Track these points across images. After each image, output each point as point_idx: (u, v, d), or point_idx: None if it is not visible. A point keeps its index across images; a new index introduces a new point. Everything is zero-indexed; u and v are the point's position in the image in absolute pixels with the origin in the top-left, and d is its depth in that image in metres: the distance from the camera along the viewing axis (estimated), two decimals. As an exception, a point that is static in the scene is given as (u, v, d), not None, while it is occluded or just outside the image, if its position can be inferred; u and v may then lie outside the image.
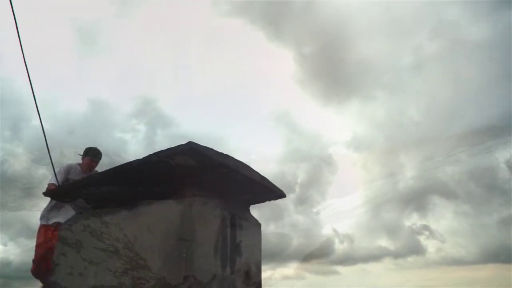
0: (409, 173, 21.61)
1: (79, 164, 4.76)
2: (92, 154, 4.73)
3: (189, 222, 2.54)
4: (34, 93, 3.91)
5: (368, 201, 21.35)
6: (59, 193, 3.42)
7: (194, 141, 2.62)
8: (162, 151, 2.56)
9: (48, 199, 4.58)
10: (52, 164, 4.09)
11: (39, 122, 3.89)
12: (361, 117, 24.12)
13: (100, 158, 4.79)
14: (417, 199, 20.42)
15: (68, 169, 4.60)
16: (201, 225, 2.60)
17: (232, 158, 2.75)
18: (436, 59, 20.77)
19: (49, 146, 4.11)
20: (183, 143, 2.55)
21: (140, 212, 2.71)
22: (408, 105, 22.50)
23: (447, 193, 19.96)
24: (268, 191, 3.13)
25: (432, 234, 19.99)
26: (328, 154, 23.18)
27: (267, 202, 3.40)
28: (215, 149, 2.67)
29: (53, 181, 4.32)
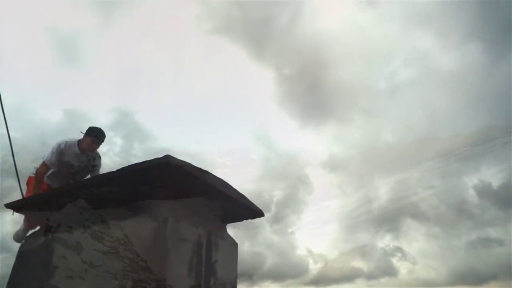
0: (383, 195, 21.99)
1: (78, 143, 4.22)
2: (95, 135, 4.19)
3: (163, 240, 2.42)
4: (2, 101, 3.73)
5: (343, 222, 21.47)
6: (23, 206, 3.21)
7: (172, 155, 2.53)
8: (136, 164, 2.45)
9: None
10: (17, 175, 3.87)
11: (6, 130, 3.69)
12: (337, 139, 24.50)
13: (103, 140, 4.27)
14: (390, 220, 20.73)
15: (65, 149, 4.11)
16: (175, 243, 2.48)
17: (211, 174, 2.67)
18: (409, 85, 21.56)
19: (18, 156, 3.89)
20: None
21: (110, 229, 2.56)
22: (383, 129, 23.11)
23: (419, 216, 20.38)
24: (246, 209, 3.05)
25: (404, 255, 20.23)
26: (305, 174, 23.28)
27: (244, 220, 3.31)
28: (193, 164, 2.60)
29: (47, 159, 4.05)
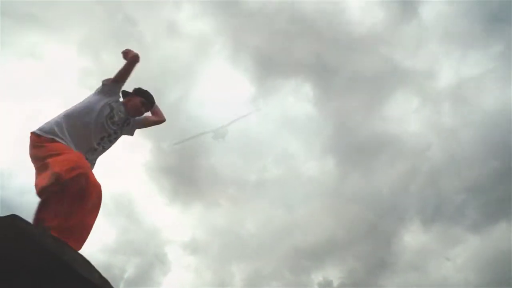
0: (238, 282, 21.83)
1: (122, 104, 3.23)
2: (147, 97, 3.34)
3: None
4: None
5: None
6: None
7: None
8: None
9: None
10: None
11: None
12: (202, 221, 24.18)
13: (153, 105, 3.43)
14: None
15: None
16: None
17: (71, 249, 2.04)
18: (276, 182, 23.50)
19: None
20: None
21: None
22: (247, 218, 23.91)
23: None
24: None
25: None
26: (164, 252, 21.65)
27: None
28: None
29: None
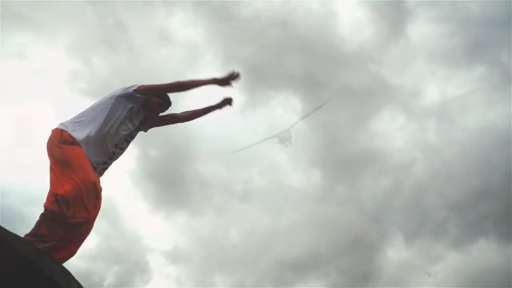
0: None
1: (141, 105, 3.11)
2: (164, 97, 3.28)
3: None
4: None
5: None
6: None
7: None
8: None
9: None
10: None
11: None
12: (186, 230, 23.92)
13: (168, 107, 3.42)
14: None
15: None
16: None
17: (51, 260, 2.01)
18: (261, 193, 23.47)
19: None
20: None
21: None
22: (231, 228, 23.75)
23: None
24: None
25: None
26: (145, 260, 21.28)
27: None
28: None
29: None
